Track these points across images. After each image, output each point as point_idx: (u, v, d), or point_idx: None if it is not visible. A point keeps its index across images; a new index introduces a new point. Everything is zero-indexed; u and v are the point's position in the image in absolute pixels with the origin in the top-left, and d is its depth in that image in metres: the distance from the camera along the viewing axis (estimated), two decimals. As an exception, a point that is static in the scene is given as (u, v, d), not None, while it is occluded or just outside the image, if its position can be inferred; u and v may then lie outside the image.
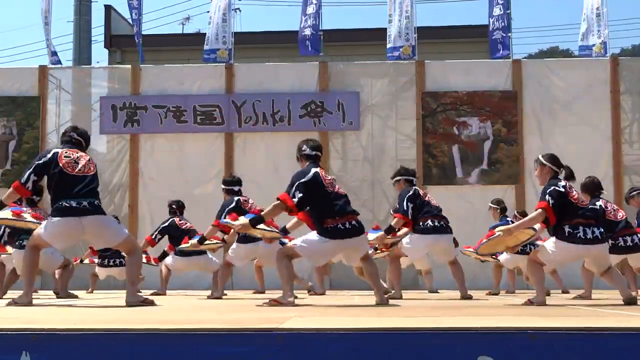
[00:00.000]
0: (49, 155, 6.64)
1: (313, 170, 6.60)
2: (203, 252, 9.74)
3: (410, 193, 8.67)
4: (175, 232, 10.11)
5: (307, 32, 14.52)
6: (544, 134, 13.65)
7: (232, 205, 8.83)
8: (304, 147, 6.84)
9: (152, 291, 9.88)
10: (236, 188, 9.25)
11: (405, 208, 8.56)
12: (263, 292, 10.66)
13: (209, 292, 9.57)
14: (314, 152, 6.80)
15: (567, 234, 6.50)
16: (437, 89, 14.07)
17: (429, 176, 13.63)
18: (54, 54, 14.93)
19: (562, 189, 6.59)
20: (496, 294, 10.11)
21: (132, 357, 3.39)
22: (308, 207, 6.62)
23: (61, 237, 6.67)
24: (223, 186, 9.38)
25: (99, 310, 5.95)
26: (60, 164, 6.56)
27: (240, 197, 9.09)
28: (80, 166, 6.66)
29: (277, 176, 12.20)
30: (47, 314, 5.45)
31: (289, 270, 6.57)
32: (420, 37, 14.40)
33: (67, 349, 3.43)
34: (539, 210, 6.56)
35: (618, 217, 8.70)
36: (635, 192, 9.61)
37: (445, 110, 14.05)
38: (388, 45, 14.34)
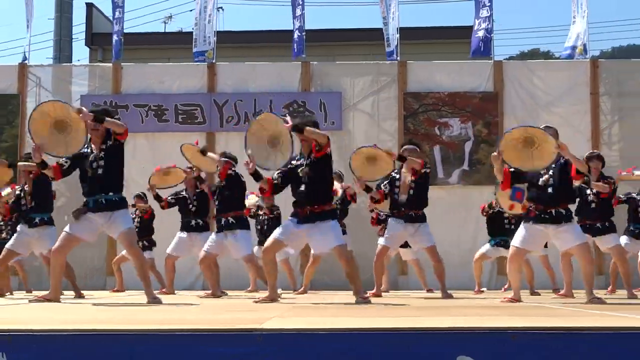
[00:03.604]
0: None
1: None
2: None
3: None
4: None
5: (296, 35, 14.48)
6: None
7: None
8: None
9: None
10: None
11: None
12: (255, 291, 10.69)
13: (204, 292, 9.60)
14: None
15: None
16: (418, 90, 14.10)
17: (411, 176, 13.65)
18: (24, 55, 14.74)
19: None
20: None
21: (109, 357, 3.36)
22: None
23: None
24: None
25: (79, 311, 5.91)
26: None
27: None
28: None
29: (259, 176, 12.11)
30: (29, 313, 5.41)
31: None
32: (402, 37, 14.43)
33: (46, 350, 3.39)
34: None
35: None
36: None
37: (427, 110, 14.09)
38: (387, 49, 14.31)
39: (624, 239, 9.80)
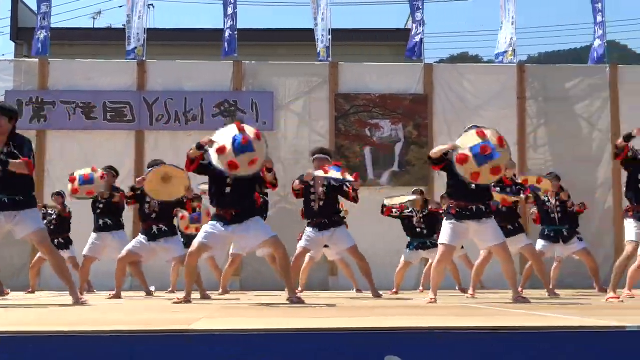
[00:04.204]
0: None
1: None
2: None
3: None
4: None
5: (227, 34, 14.40)
6: (454, 138, 13.78)
7: None
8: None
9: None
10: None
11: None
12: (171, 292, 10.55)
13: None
14: None
15: None
16: (350, 91, 14.18)
17: (341, 177, 13.71)
18: None
19: None
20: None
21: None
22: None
23: None
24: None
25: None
26: None
27: None
28: None
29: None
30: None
31: None
32: (334, 39, 14.49)
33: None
34: None
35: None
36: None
37: (358, 112, 14.18)
38: (318, 50, 14.36)
39: (540, 243, 10.05)
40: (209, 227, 7.13)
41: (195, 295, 8.59)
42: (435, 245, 10.19)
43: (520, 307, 6.07)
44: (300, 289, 9.84)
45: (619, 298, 7.51)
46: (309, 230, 9.07)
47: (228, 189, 7.01)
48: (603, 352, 3.39)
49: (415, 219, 10.71)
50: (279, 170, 13.65)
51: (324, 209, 9.00)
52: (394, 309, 6.09)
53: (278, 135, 13.90)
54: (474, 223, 7.24)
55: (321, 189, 9.01)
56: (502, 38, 14.72)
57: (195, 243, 7.14)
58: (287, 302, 6.92)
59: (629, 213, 7.87)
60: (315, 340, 3.38)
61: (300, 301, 6.89)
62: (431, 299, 7.27)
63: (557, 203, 10.21)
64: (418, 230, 10.65)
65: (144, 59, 14.17)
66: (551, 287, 9.89)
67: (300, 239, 9.21)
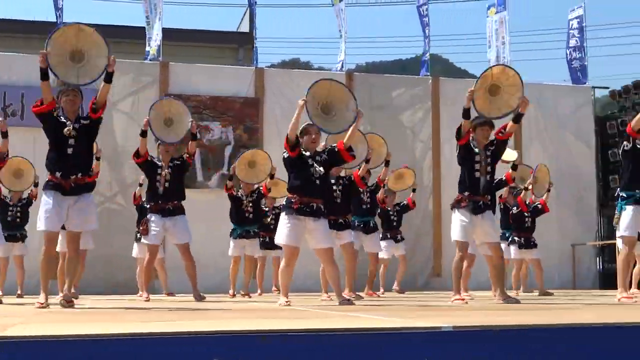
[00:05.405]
0: None
1: None
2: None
3: None
4: None
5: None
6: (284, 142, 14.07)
7: None
8: None
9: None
10: None
11: None
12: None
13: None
14: None
15: None
16: (180, 92, 14.02)
17: (170, 179, 13.52)
18: None
19: None
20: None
21: None
22: None
23: None
24: None
25: None
26: None
27: None
28: None
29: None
30: None
31: None
32: (165, 38, 14.28)
33: None
34: None
35: None
36: None
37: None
38: (147, 48, 14.10)
39: (383, 243, 10.26)
40: (47, 199, 6.54)
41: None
42: (257, 236, 10.16)
43: (344, 309, 6.23)
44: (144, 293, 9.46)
45: (464, 300, 7.40)
46: (153, 218, 8.72)
47: (70, 150, 6.48)
48: (418, 353, 3.54)
49: (244, 203, 10.47)
50: (104, 169, 13.29)
51: (169, 193, 8.71)
52: (219, 312, 6.10)
53: (104, 134, 13.47)
54: (311, 220, 6.95)
55: (166, 170, 8.77)
56: (339, 46, 15.13)
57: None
58: (116, 307, 6.73)
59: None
60: (137, 344, 3.33)
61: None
62: (286, 302, 6.96)
63: (368, 194, 10.16)
64: (246, 215, 10.46)
65: (-40, 48, 13.36)
66: (382, 289, 10.29)
67: (142, 234, 8.83)
